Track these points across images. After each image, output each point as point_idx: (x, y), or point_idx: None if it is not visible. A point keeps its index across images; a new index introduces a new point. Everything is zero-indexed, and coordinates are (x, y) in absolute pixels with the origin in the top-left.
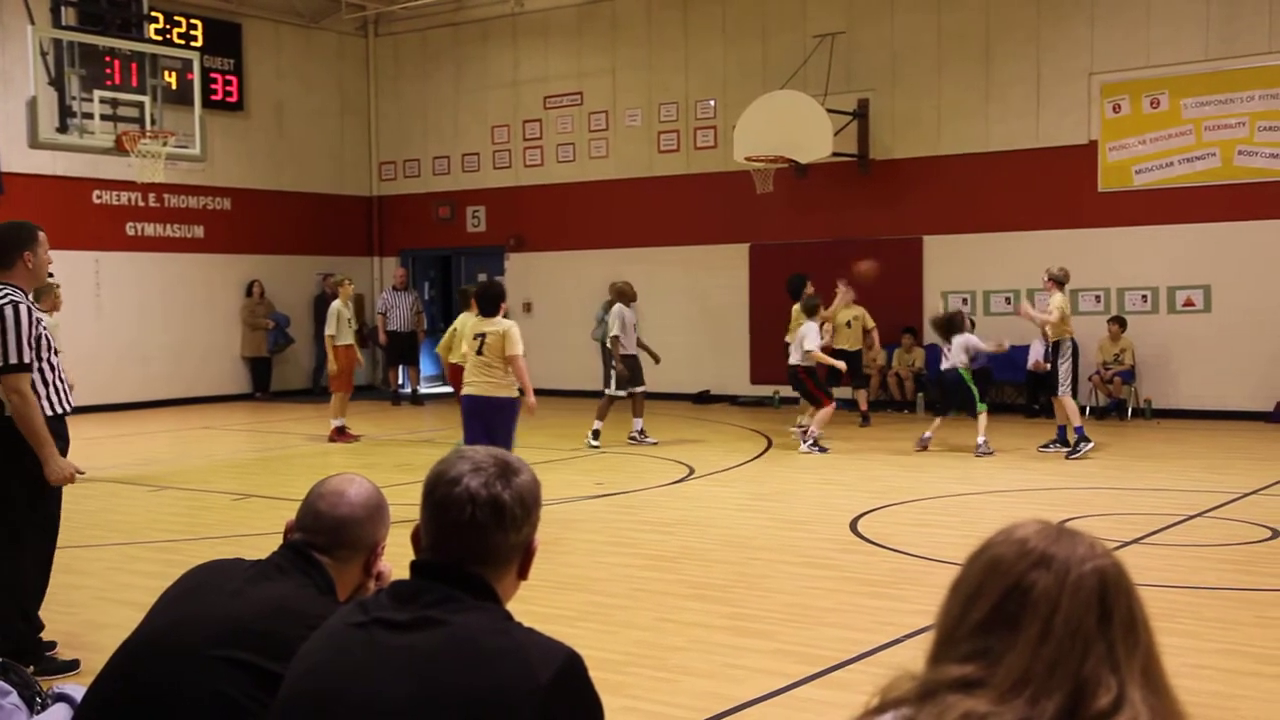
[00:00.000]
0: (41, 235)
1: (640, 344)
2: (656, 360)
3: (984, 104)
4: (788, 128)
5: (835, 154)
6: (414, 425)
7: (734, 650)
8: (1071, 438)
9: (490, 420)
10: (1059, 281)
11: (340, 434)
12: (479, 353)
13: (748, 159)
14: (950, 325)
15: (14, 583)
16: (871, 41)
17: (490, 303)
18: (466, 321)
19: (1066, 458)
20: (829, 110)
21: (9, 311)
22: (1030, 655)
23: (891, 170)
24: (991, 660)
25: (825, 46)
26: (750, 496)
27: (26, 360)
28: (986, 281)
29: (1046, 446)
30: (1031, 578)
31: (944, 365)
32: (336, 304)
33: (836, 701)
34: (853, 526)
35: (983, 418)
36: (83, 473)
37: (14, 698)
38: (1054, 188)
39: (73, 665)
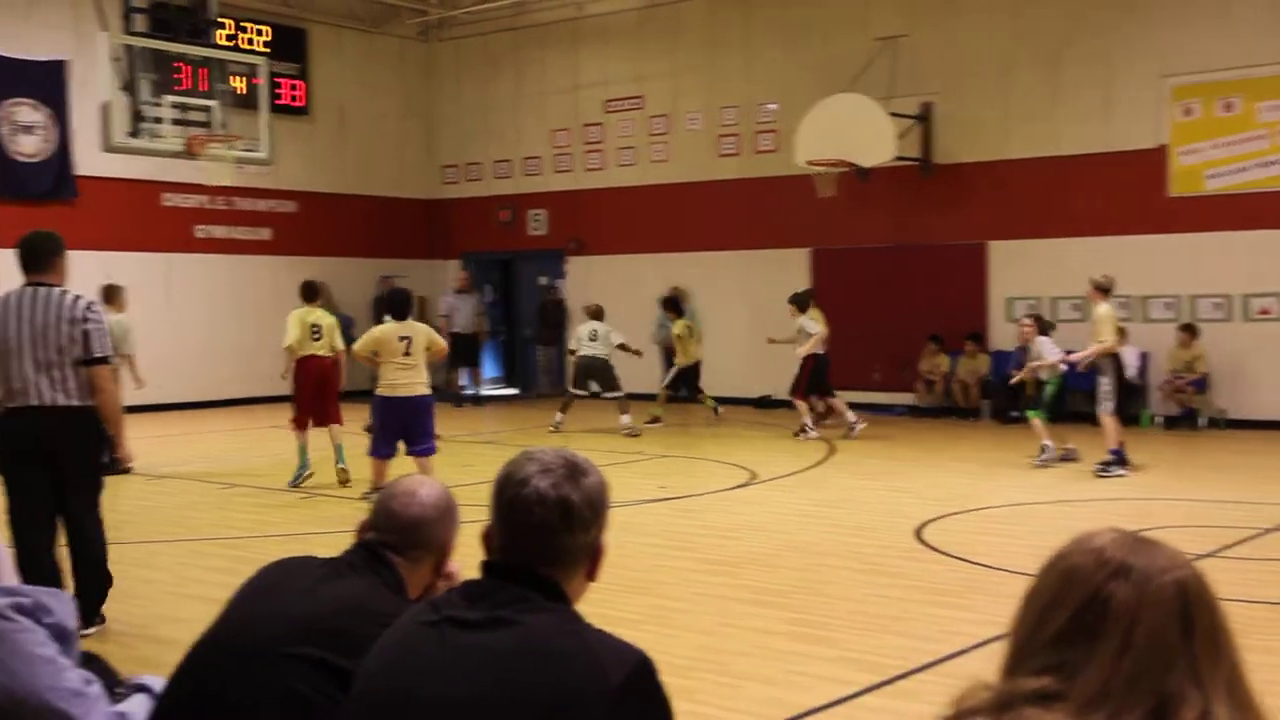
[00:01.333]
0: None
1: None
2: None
3: (1051, 107)
4: (850, 131)
5: (898, 158)
6: (476, 426)
7: (797, 657)
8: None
9: (424, 417)
10: (1105, 290)
11: None
12: (407, 354)
13: (809, 163)
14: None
15: (103, 549)
16: (935, 44)
17: (405, 307)
18: (307, 317)
19: (1095, 474)
20: (891, 114)
21: (98, 311)
22: (1109, 669)
23: (955, 174)
24: (1069, 673)
25: (888, 49)
26: (813, 502)
27: (109, 354)
28: (1053, 288)
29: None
30: (1110, 588)
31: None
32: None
33: (902, 711)
34: (917, 534)
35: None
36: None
37: (97, 686)
38: (1123, 192)
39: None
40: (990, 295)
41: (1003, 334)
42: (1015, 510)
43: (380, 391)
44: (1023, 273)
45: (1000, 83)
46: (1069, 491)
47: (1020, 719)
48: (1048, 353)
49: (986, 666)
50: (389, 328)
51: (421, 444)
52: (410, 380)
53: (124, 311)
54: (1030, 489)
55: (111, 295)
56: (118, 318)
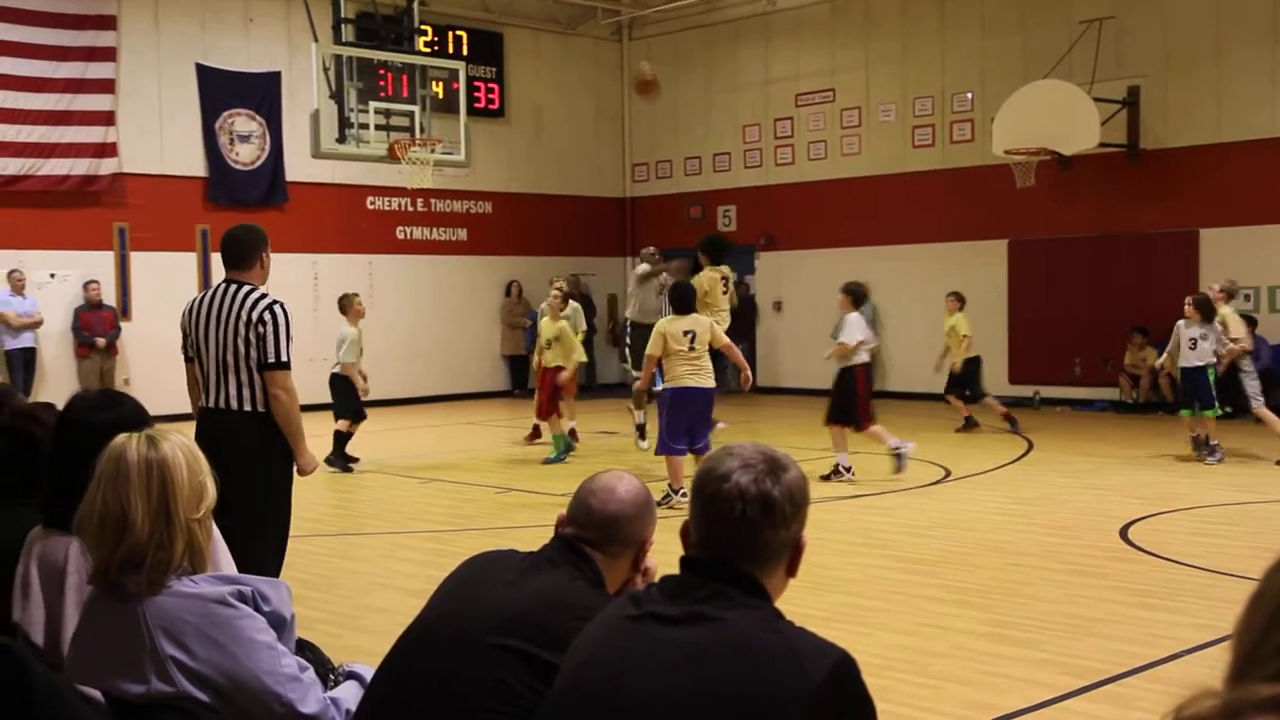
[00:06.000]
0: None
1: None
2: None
3: (1271, 87)
4: (1051, 118)
5: (1102, 144)
6: None
7: (997, 659)
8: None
9: (705, 410)
10: (1230, 294)
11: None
12: (692, 348)
13: (1007, 152)
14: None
15: (256, 570)
16: (1143, 25)
17: (689, 301)
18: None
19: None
20: (1095, 99)
21: (279, 312)
22: None
23: (1164, 160)
24: None
25: (1092, 32)
26: (1011, 500)
27: (288, 359)
28: (1272, 276)
29: None
30: None
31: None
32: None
33: (1109, 716)
34: (1123, 534)
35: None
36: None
37: (311, 672)
38: None
39: None
40: (1201, 285)
41: None
42: (1228, 510)
43: (667, 384)
44: (1237, 261)
45: (1213, 63)
46: None
47: None
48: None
49: (1199, 672)
50: (674, 323)
51: (702, 440)
52: (696, 369)
53: (362, 318)
54: (1244, 488)
55: (345, 306)
56: (350, 329)
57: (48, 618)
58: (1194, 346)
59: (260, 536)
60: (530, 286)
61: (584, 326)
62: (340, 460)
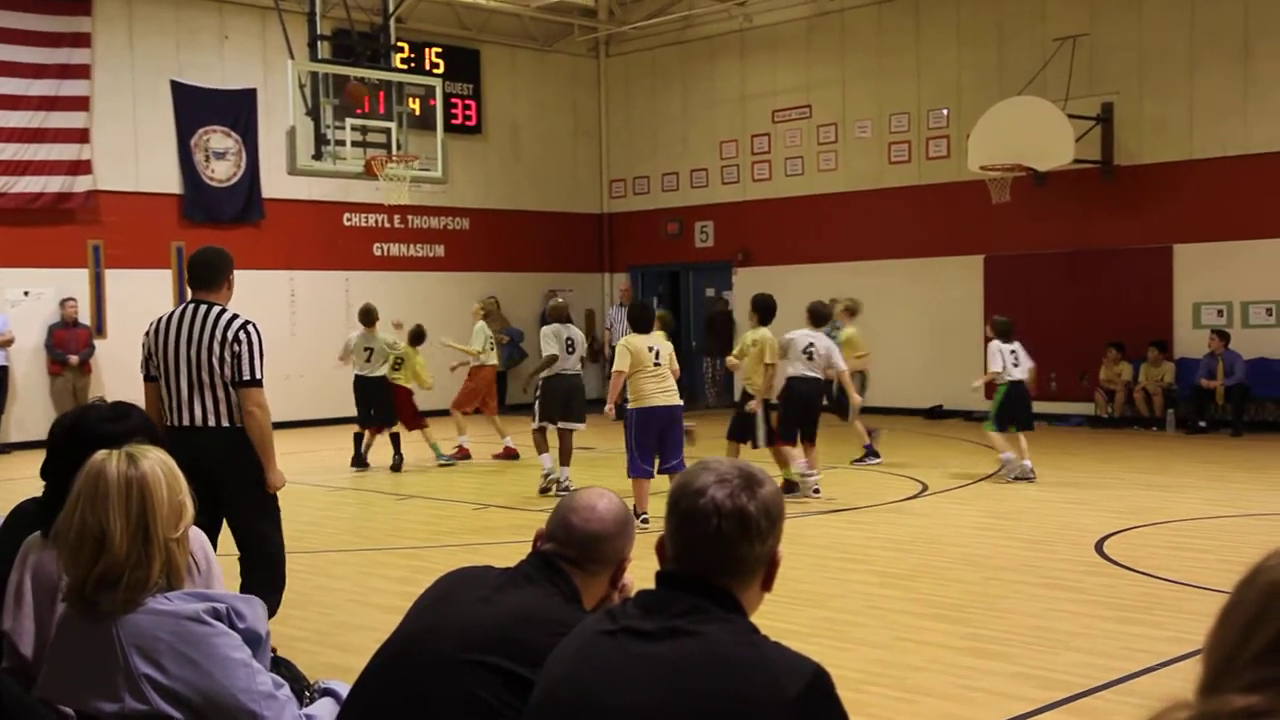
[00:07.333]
0: None
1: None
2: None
3: (1243, 103)
4: (1026, 135)
5: (1077, 160)
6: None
7: (974, 672)
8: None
9: (679, 427)
10: (853, 311)
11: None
12: (657, 364)
13: (983, 168)
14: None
15: (280, 557)
16: (1116, 42)
17: (649, 321)
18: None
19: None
20: (1070, 115)
21: (253, 332)
22: None
23: (1138, 176)
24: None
25: (1066, 49)
26: (987, 514)
27: (262, 377)
28: (1245, 291)
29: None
30: None
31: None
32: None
33: None
34: (1098, 548)
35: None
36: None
37: (286, 689)
38: None
39: None
40: (1176, 300)
41: (1189, 341)
42: (1203, 524)
43: (633, 405)
44: (1211, 276)
45: (1186, 79)
46: (1262, 504)
47: None
48: (993, 362)
49: (1173, 685)
50: (638, 339)
51: (676, 459)
52: (665, 388)
53: (374, 329)
54: (1218, 502)
55: (375, 316)
56: (388, 336)
57: (37, 629)
58: (1016, 364)
59: (269, 515)
60: (508, 303)
61: (479, 345)
62: (399, 458)
